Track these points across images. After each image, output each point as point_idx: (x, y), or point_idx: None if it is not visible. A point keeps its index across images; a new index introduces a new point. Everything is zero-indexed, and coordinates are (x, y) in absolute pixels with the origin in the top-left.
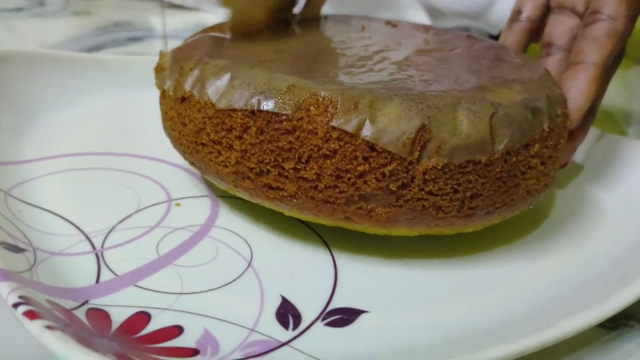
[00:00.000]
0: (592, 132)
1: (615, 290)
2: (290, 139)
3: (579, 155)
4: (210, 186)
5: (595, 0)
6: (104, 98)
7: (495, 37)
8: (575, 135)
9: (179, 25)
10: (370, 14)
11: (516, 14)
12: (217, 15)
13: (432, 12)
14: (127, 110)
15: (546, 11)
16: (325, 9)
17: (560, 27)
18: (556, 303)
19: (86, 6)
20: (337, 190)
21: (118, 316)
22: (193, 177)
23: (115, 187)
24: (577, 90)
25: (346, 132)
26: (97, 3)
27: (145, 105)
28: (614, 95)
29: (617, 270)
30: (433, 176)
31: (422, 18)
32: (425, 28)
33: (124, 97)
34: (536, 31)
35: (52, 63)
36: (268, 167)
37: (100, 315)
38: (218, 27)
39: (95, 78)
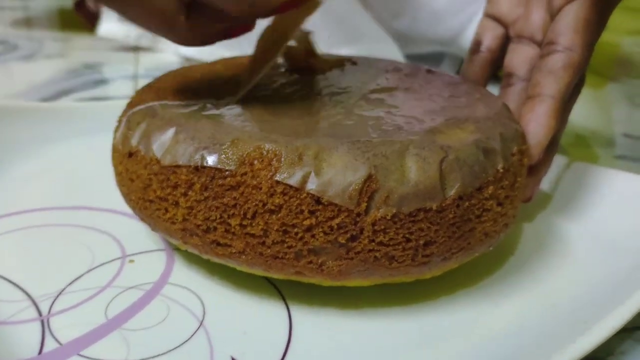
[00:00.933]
0: (561, 160)
1: (580, 334)
2: (235, 194)
3: (547, 185)
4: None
5: (550, 31)
6: (60, 148)
7: None
8: (537, 169)
9: (152, 65)
10: (339, 50)
11: (476, 45)
12: (178, 57)
13: (405, 39)
14: (85, 160)
15: (506, 40)
16: None
17: (519, 57)
18: (520, 349)
19: (60, 48)
20: (285, 245)
21: None
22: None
23: (69, 245)
24: (536, 124)
25: (290, 186)
26: (71, 45)
27: (103, 153)
28: (588, 118)
29: (582, 312)
30: (383, 227)
31: (393, 51)
32: (386, 64)
33: (82, 145)
34: (497, 61)
35: (6, 115)
36: (214, 224)
37: None
38: (173, 74)
39: (51, 128)
